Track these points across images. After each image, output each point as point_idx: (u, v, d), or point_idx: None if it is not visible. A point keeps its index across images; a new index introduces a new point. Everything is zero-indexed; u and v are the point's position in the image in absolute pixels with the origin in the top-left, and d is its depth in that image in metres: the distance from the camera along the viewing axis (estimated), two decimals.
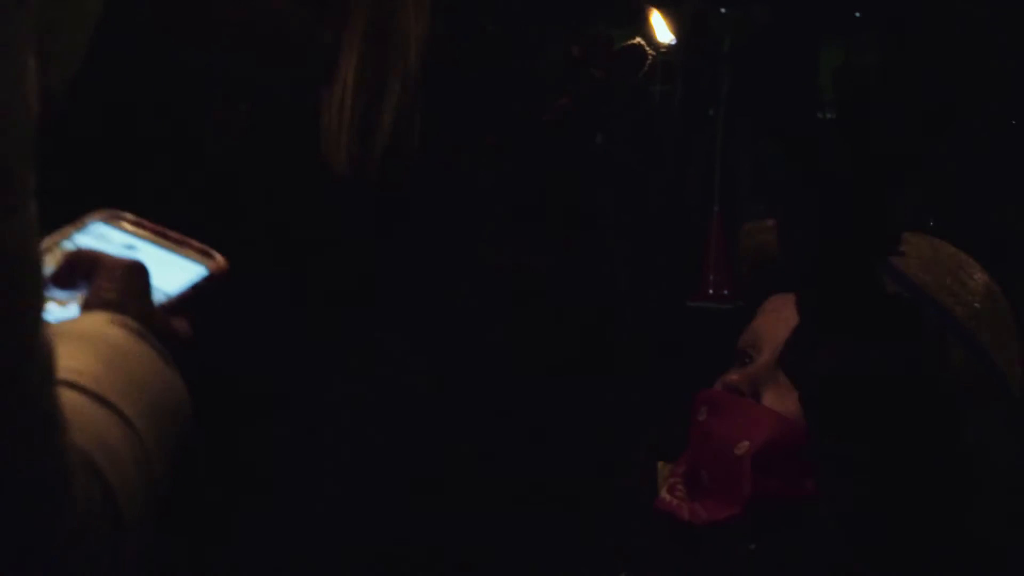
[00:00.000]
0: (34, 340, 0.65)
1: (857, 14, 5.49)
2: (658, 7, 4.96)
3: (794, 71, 4.79)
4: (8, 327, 0.63)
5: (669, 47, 5.20)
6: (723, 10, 5.50)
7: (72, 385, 0.75)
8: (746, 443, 1.56)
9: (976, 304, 1.53)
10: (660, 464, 1.64)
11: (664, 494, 1.60)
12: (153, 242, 0.95)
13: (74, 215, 0.92)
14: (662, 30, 5.06)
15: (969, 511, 1.23)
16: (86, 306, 0.87)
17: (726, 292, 4.20)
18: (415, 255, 1.05)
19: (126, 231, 0.94)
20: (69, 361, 0.76)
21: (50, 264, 0.89)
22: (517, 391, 1.06)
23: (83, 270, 0.89)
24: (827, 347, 1.18)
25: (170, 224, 0.93)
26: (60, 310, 0.88)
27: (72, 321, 0.86)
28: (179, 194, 0.92)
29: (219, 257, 0.92)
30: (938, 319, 1.49)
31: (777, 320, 1.61)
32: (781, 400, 1.59)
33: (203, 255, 0.93)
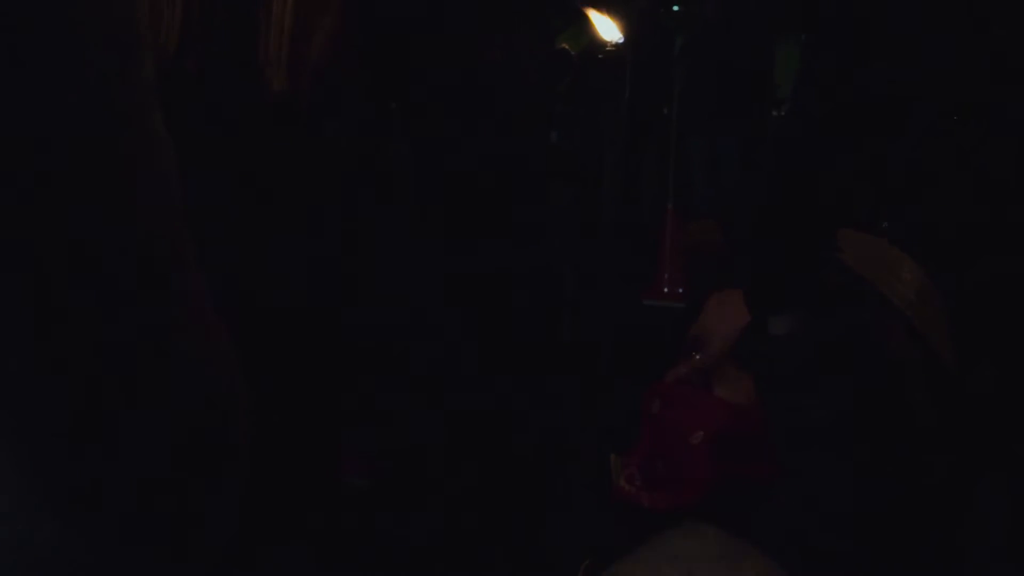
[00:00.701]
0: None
1: (811, 11, 5.52)
2: (608, 5, 4.99)
3: (748, 68, 4.83)
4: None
5: (617, 45, 5.23)
6: (675, 7, 5.53)
7: None
8: (701, 432, 1.60)
9: (911, 295, 1.58)
10: (613, 456, 1.68)
11: (622, 483, 1.63)
12: None
13: None
14: (609, 29, 5.09)
15: (924, 479, 1.26)
16: None
17: (680, 290, 4.22)
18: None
19: None
20: None
21: None
22: (473, 388, 1.08)
23: None
24: (778, 328, 1.21)
25: None
26: None
27: None
28: None
29: None
30: (881, 306, 1.54)
31: (722, 314, 1.65)
32: (731, 389, 1.63)
33: None
